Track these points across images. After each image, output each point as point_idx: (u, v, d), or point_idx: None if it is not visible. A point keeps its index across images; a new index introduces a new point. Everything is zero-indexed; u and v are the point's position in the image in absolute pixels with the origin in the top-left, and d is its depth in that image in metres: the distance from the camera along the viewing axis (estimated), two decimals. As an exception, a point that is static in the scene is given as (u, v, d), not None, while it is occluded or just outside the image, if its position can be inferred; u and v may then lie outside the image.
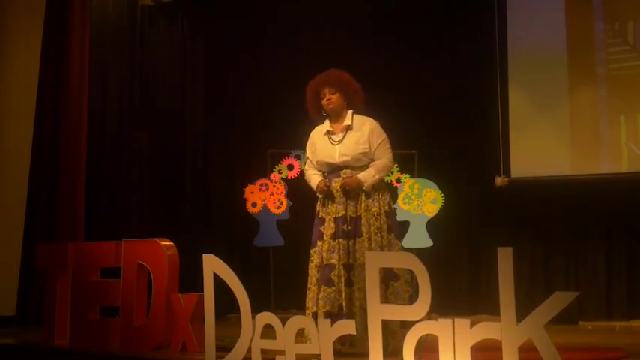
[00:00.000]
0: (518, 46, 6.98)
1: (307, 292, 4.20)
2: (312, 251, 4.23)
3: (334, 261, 4.09)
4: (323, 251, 4.15)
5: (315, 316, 4.06)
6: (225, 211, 7.40)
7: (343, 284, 4.04)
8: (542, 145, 6.82)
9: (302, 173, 6.78)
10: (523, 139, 6.90)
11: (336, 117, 4.34)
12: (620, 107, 6.64)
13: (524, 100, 6.97)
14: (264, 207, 6.76)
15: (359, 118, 4.31)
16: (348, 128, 4.28)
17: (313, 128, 4.42)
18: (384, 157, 4.26)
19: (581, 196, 6.68)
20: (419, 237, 6.46)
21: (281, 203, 6.76)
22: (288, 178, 6.83)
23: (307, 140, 4.52)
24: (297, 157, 6.85)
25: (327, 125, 4.37)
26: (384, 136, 4.28)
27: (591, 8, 6.80)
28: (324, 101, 4.33)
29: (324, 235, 4.17)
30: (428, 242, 6.47)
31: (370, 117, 4.36)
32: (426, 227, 6.53)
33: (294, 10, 7.34)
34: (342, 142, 4.25)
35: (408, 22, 7.31)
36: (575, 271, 6.77)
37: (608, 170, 6.65)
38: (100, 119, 6.72)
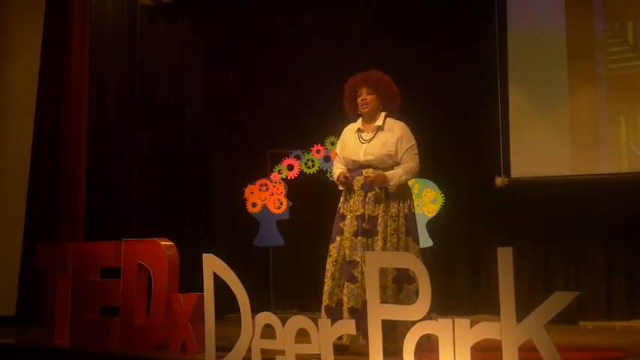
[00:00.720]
0: (518, 46, 6.98)
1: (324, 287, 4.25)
2: (330, 246, 4.26)
3: (357, 258, 4.12)
4: (344, 248, 4.18)
5: (327, 309, 4.12)
6: (225, 211, 7.40)
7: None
8: (542, 145, 6.82)
9: (302, 173, 6.85)
10: (523, 139, 6.90)
11: (368, 117, 4.38)
12: (620, 107, 6.64)
13: (524, 100, 6.97)
14: (264, 207, 6.77)
15: (390, 121, 4.36)
16: (379, 129, 4.32)
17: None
18: (411, 161, 4.30)
19: (581, 196, 6.68)
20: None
21: (281, 203, 6.77)
22: (288, 178, 6.84)
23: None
24: (297, 157, 6.87)
25: (358, 123, 4.41)
26: (413, 141, 4.33)
27: (591, 8, 6.80)
28: (359, 100, 4.37)
29: (345, 232, 4.21)
30: (428, 242, 6.48)
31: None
32: (426, 227, 6.54)
33: (293, 10, 7.34)
34: (371, 141, 4.29)
35: (407, 23, 7.30)
36: (575, 271, 6.77)
37: (608, 170, 6.65)
38: (100, 119, 6.71)
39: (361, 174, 4.26)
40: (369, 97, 4.33)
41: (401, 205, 4.22)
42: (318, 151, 6.77)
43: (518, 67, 6.98)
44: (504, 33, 7.04)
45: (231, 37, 7.60)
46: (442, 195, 6.57)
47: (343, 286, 4.13)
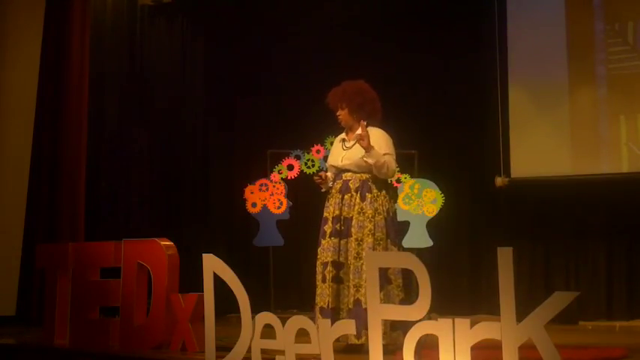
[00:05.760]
0: (518, 46, 6.98)
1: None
2: (318, 250, 4.36)
3: (328, 259, 4.24)
4: (323, 250, 4.30)
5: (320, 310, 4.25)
6: (225, 211, 7.40)
7: (331, 280, 4.20)
8: (542, 145, 6.82)
9: (302, 173, 6.85)
10: (523, 139, 6.90)
11: (348, 128, 4.54)
12: (620, 107, 6.63)
13: (524, 100, 6.97)
14: (264, 207, 6.77)
15: (369, 129, 4.40)
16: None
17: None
18: (389, 162, 4.38)
19: (582, 196, 6.68)
20: (419, 237, 6.47)
21: (281, 203, 6.77)
22: (288, 178, 6.84)
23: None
24: (297, 157, 6.86)
25: (343, 134, 4.59)
26: (390, 149, 4.39)
27: (591, 8, 6.80)
28: (337, 115, 4.54)
29: (326, 235, 4.31)
30: (428, 242, 6.48)
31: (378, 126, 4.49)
32: (426, 227, 6.53)
33: (293, 11, 7.33)
34: (351, 148, 4.42)
35: (408, 23, 7.31)
36: (575, 271, 6.77)
37: (608, 170, 6.64)
38: (100, 119, 6.71)
39: (341, 178, 4.37)
40: (342, 112, 4.48)
41: (379, 209, 4.26)
42: (318, 151, 6.77)
43: (518, 67, 6.98)
44: (504, 33, 7.04)
45: (231, 37, 7.60)
46: (442, 195, 6.57)
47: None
